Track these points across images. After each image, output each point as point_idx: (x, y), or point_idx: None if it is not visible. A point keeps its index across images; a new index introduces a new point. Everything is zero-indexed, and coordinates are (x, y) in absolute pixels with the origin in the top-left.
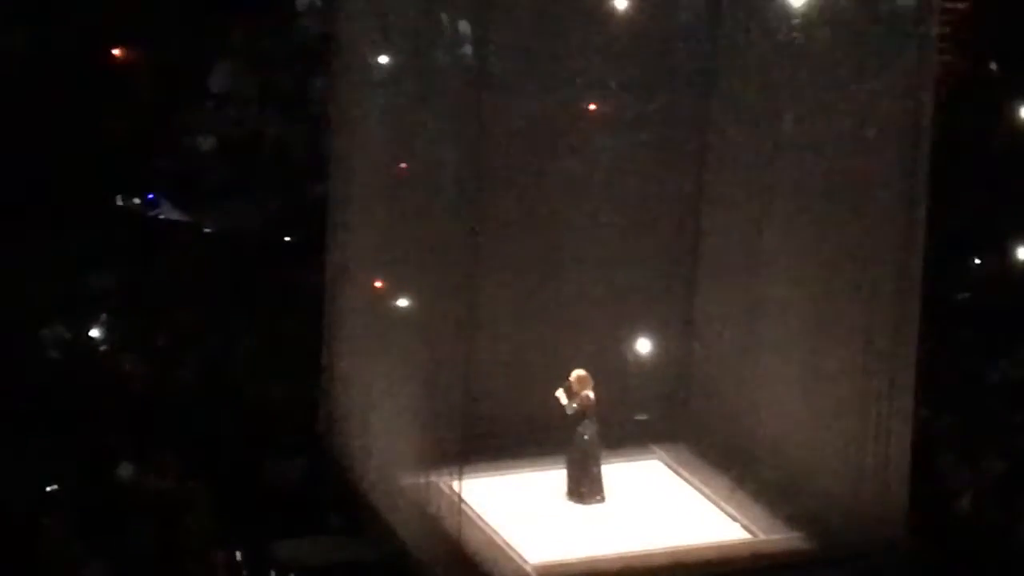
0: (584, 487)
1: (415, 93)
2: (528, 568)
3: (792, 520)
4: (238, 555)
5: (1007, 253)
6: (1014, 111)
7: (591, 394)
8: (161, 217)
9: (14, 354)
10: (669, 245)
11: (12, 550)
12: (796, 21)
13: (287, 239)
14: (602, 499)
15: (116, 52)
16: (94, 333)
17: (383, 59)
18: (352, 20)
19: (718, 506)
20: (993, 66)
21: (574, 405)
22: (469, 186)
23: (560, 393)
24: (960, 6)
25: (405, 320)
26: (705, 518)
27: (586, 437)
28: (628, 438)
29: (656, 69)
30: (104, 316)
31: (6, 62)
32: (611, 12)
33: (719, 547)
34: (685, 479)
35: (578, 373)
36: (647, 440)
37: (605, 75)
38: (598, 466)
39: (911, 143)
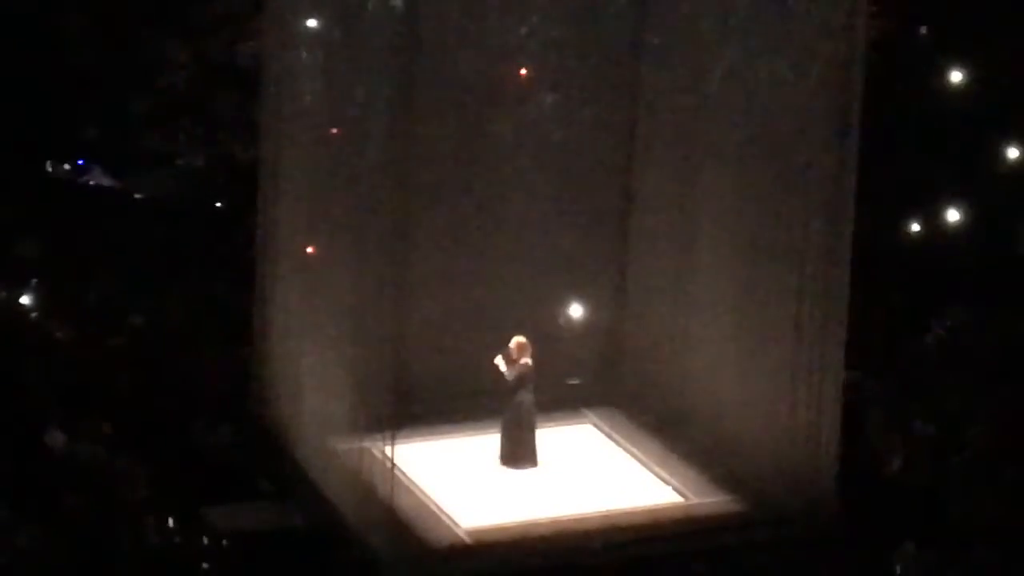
0: (518, 452)
1: (344, 57)
2: (461, 532)
3: (724, 483)
4: (170, 522)
5: (937, 216)
6: (944, 73)
7: (529, 361)
8: (91, 183)
9: None
10: (601, 209)
11: None
12: None
13: (217, 205)
14: (535, 464)
15: (47, 17)
16: (23, 300)
17: (312, 23)
18: None
19: (650, 470)
20: (923, 29)
21: (513, 372)
22: (399, 150)
23: (499, 360)
24: None
25: (336, 285)
26: (637, 482)
27: (523, 404)
28: (561, 403)
29: (585, 32)
30: (33, 283)
31: None
32: None
33: (651, 510)
34: (617, 443)
35: (518, 340)
36: (579, 405)
37: (535, 38)
38: (533, 432)
39: (842, 106)
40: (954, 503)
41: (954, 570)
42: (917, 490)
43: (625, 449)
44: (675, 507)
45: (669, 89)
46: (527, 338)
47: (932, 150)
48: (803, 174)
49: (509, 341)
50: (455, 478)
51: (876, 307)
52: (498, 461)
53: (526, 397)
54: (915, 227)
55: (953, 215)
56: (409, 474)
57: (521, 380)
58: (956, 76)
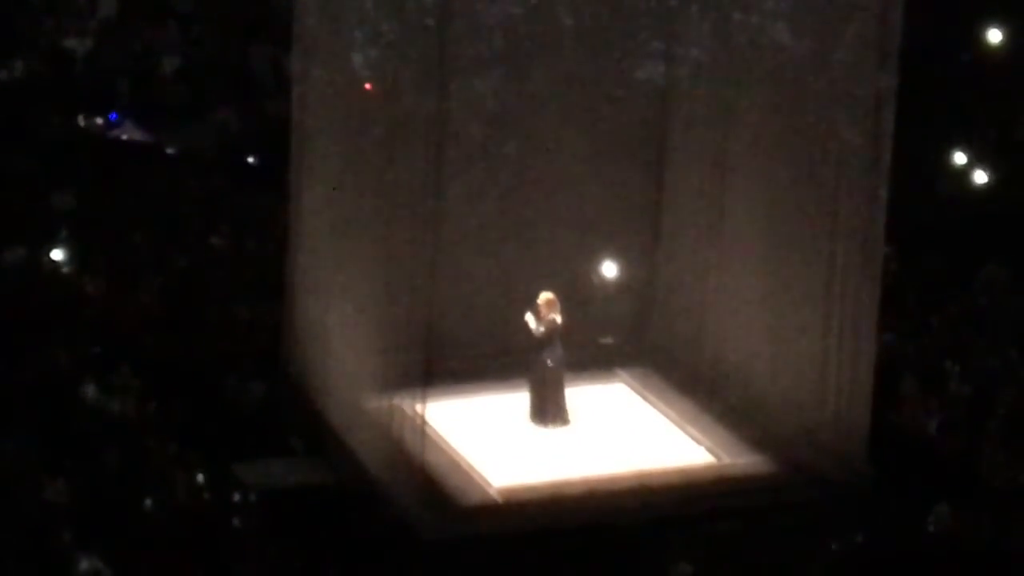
0: (548, 410)
1: (379, 11)
2: (492, 491)
3: (757, 443)
4: (200, 477)
5: (973, 176)
6: (982, 34)
7: (558, 317)
8: (123, 137)
9: None
10: (634, 168)
11: None
12: None
13: (250, 160)
14: (566, 422)
15: None
16: (56, 254)
17: None
18: None
19: (683, 429)
20: None
21: (541, 328)
22: (433, 108)
23: (528, 316)
24: None
25: (368, 242)
26: (669, 441)
27: (551, 361)
28: (593, 361)
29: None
30: (65, 236)
31: None
32: None
33: (683, 470)
34: (650, 402)
35: (546, 296)
36: (612, 363)
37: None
38: (562, 389)
39: (878, 67)
40: (988, 465)
41: (988, 532)
42: (951, 452)
43: (657, 408)
44: (708, 467)
45: (702, 48)
46: (556, 295)
47: (966, 111)
48: (838, 132)
49: (538, 299)
50: (486, 436)
51: (911, 267)
52: (528, 419)
53: (555, 353)
54: (950, 187)
55: (988, 175)
56: (440, 431)
57: (549, 336)
58: (993, 36)
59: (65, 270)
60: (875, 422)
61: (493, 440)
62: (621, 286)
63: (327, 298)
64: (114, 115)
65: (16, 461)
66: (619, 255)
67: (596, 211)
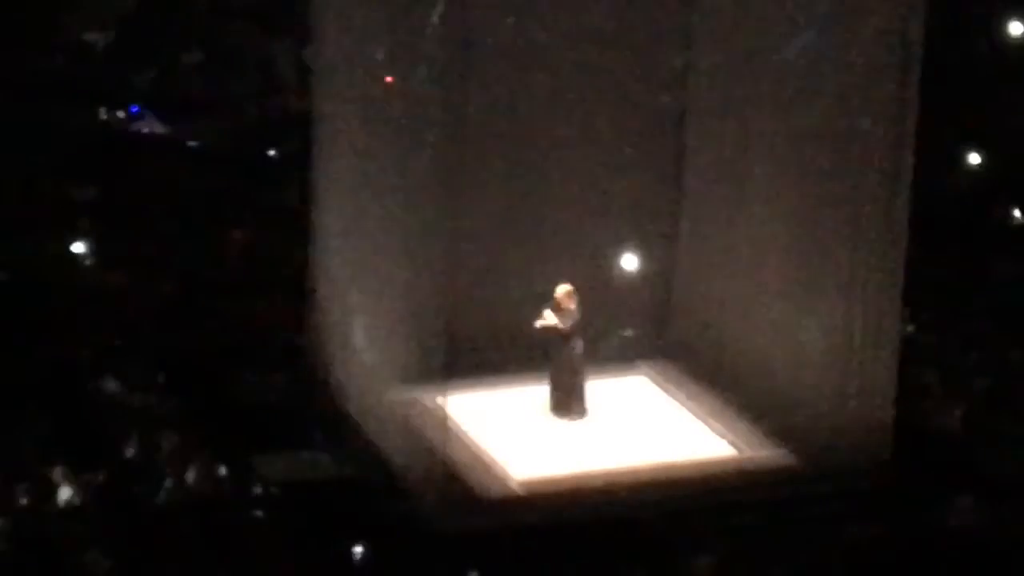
0: (568, 402)
1: (397, 6)
2: (513, 483)
3: (777, 436)
4: (221, 470)
5: (996, 169)
6: (1002, 24)
7: (576, 310)
8: (144, 130)
9: None
10: (654, 159)
11: None
12: None
13: (270, 154)
14: (585, 414)
15: None
16: (77, 246)
17: None
18: None
19: (704, 422)
20: None
21: (569, 320)
22: (453, 100)
23: (548, 313)
24: None
25: (388, 235)
26: (690, 434)
27: (572, 353)
28: (613, 354)
29: None
30: (86, 228)
31: None
32: None
33: (704, 463)
34: (671, 395)
35: (564, 288)
36: (632, 356)
37: None
38: (582, 382)
39: (901, 54)
40: (1008, 457)
41: (1009, 524)
42: (973, 444)
43: (678, 401)
44: (729, 460)
45: (722, 40)
46: (576, 288)
47: (988, 101)
48: (859, 122)
49: (556, 291)
50: (506, 428)
51: (933, 260)
52: (548, 411)
53: (575, 345)
54: (973, 180)
55: (1011, 168)
56: (460, 424)
57: (571, 329)
58: (1016, 28)
59: (86, 263)
60: (897, 415)
61: (514, 432)
62: (642, 279)
63: (347, 292)
64: (135, 108)
65: (34, 453)
66: (640, 248)
67: (616, 205)
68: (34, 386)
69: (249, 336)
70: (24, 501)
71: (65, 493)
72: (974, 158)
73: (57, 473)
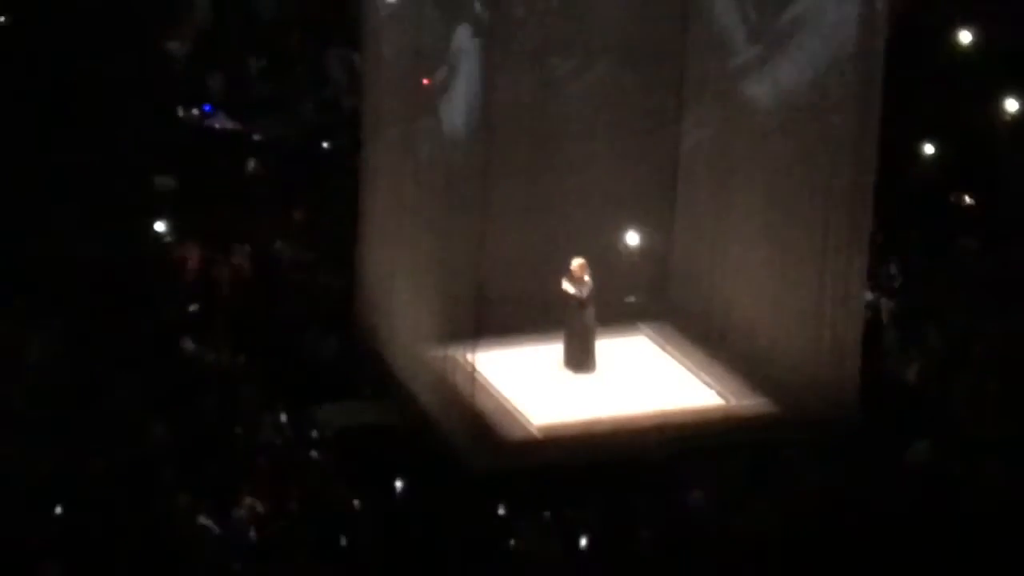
0: (580, 359)
1: (434, 19)
2: (532, 429)
3: (760, 388)
4: (283, 417)
5: (950, 155)
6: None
7: (588, 279)
8: (216, 126)
9: (92, 249)
10: (654, 152)
11: (86, 416)
12: None
13: (325, 146)
14: (594, 369)
15: None
16: (159, 226)
17: None
18: None
19: (696, 376)
20: None
21: (585, 290)
22: (484, 100)
23: (566, 284)
24: None
25: (427, 215)
26: (684, 386)
27: (584, 316)
28: (618, 317)
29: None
30: (168, 212)
31: None
32: None
33: (696, 411)
34: (668, 353)
35: (579, 261)
36: (635, 319)
37: (596, 10)
38: (592, 341)
39: (867, 52)
40: (959, 408)
41: (959, 465)
42: (928, 395)
43: (674, 358)
44: (717, 408)
45: (713, 50)
46: (587, 260)
47: (946, 95)
48: (831, 120)
49: (571, 264)
50: (527, 381)
51: (894, 237)
52: (563, 367)
53: (588, 310)
54: (931, 168)
55: (964, 157)
56: (487, 377)
57: (589, 296)
58: (966, 36)
59: (167, 240)
60: (863, 370)
61: (533, 384)
62: (643, 253)
63: (392, 265)
64: (208, 107)
65: (126, 407)
66: (642, 226)
67: (623, 191)
68: (130, 346)
69: (309, 303)
70: (121, 447)
71: (156, 438)
72: (931, 148)
73: (148, 421)
